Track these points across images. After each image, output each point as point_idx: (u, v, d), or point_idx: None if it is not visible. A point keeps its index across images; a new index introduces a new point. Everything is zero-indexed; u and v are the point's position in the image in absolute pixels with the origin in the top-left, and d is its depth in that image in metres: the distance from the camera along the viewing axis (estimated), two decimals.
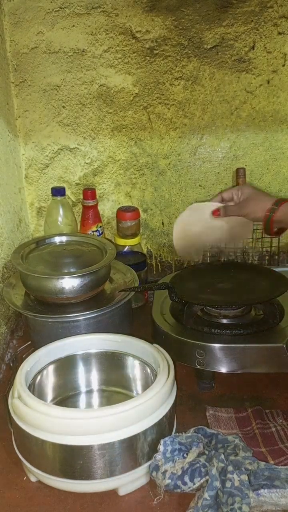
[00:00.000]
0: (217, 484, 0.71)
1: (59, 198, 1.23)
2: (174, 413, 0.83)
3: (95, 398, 0.96)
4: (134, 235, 1.27)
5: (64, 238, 1.16)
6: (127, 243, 1.27)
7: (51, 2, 1.17)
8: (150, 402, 0.75)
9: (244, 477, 0.72)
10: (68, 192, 1.32)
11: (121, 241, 1.26)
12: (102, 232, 1.28)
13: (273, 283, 1.04)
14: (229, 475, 0.72)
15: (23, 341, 1.12)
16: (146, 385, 0.88)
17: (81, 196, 1.27)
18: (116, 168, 1.32)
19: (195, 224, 1.07)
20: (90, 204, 1.25)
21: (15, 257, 1.06)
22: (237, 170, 1.29)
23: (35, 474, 0.78)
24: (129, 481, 0.76)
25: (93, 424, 0.72)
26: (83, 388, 0.96)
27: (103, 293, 1.09)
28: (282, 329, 0.97)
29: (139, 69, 1.23)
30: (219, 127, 1.28)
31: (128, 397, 0.92)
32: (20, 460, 0.79)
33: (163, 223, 1.36)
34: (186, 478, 0.73)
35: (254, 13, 1.17)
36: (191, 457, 0.75)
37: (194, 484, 0.73)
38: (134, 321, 1.14)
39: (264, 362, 0.92)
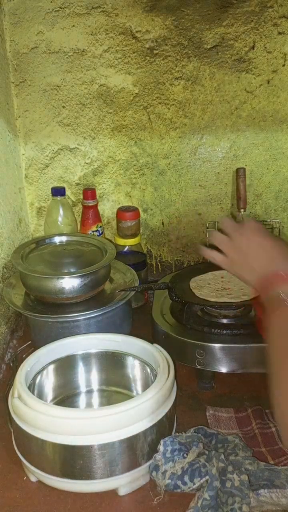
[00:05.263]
0: (217, 484, 0.71)
1: (59, 198, 1.23)
2: (174, 413, 0.83)
3: (95, 398, 0.96)
4: (134, 235, 1.27)
5: (64, 238, 1.16)
6: (127, 243, 1.27)
7: (51, 2, 1.17)
8: (150, 402, 0.75)
9: (244, 477, 0.72)
10: (68, 192, 1.32)
11: (121, 241, 1.26)
12: (102, 232, 1.28)
13: None
14: (229, 475, 0.72)
15: (23, 341, 1.12)
16: (146, 385, 0.88)
17: (81, 196, 1.27)
18: (116, 168, 1.32)
19: None
20: (90, 204, 1.25)
21: (15, 257, 1.06)
22: (237, 170, 1.29)
23: (35, 474, 0.78)
24: (129, 481, 0.76)
25: (93, 424, 0.72)
26: (83, 388, 0.96)
27: (103, 293, 1.09)
28: None
29: (139, 69, 1.23)
30: (219, 127, 1.27)
31: (128, 397, 0.92)
32: (20, 460, 0.79)
33: (163, 223, 1.36)
34: (186, 478, 0.73)
35: (254, 13, 1.17)
36: (191, 457, 0.75)
37: (194, 484, 0.73)
38: (134, 321, 1.13)
39: (264, 362, 0.92)
